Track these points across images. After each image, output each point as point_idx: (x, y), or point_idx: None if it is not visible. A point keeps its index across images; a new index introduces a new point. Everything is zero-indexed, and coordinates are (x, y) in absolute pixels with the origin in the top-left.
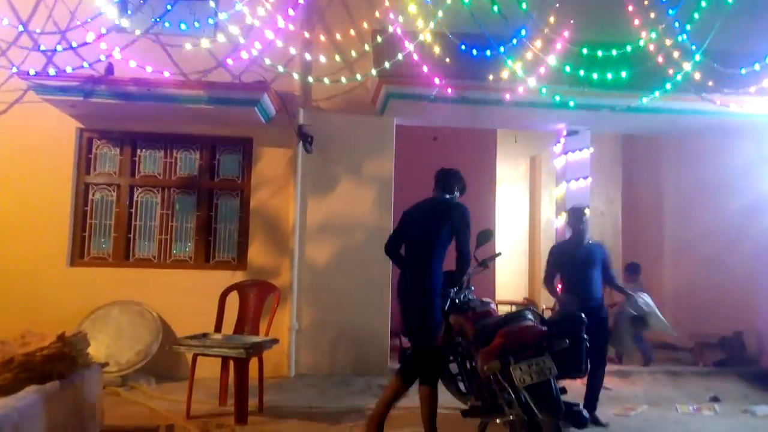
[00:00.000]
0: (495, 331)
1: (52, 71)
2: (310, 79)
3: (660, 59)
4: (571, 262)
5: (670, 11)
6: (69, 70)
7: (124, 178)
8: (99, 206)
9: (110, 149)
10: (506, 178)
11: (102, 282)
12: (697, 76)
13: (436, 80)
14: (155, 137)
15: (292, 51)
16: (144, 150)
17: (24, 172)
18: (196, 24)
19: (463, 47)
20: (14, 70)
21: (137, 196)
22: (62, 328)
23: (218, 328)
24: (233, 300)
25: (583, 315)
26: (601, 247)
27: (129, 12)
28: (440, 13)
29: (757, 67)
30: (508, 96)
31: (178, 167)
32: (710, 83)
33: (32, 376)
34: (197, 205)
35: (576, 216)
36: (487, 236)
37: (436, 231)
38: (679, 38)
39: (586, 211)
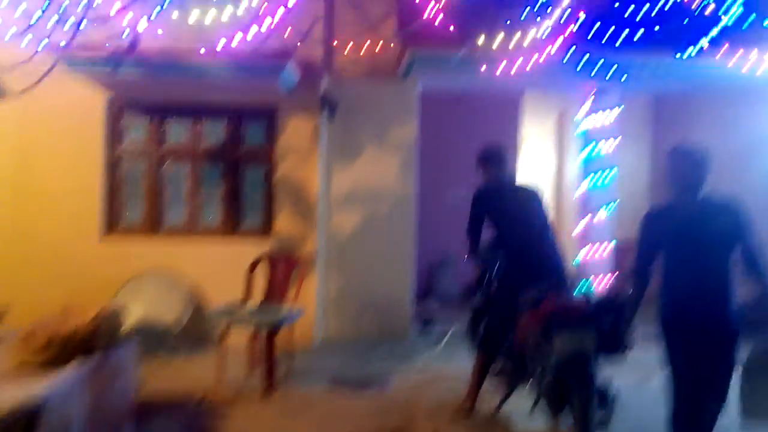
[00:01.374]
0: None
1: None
2: (334, 44)
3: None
4: (683, 236)
5: None
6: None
7: (153, 147)
8: (129, 176)
9: (139, 120)
10: (532, 135)
11: (134, 252)
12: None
13: (462, 43)
14: (183, 107)
15: (315, 17)
16: (172, 120)
17: (55, 142)
18: None
19: (489, 8)
20: (45, 42)
21: (166, 166)
22: (98, 298)
23: (246, 297)
24: (261, 268)
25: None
26: (735, 206)
27: None
28: None
29: None
30: (536, 56)
31: (204, 137)
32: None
33: (75, 351)
34: (224, 175)
35: (688, 160)
36: None
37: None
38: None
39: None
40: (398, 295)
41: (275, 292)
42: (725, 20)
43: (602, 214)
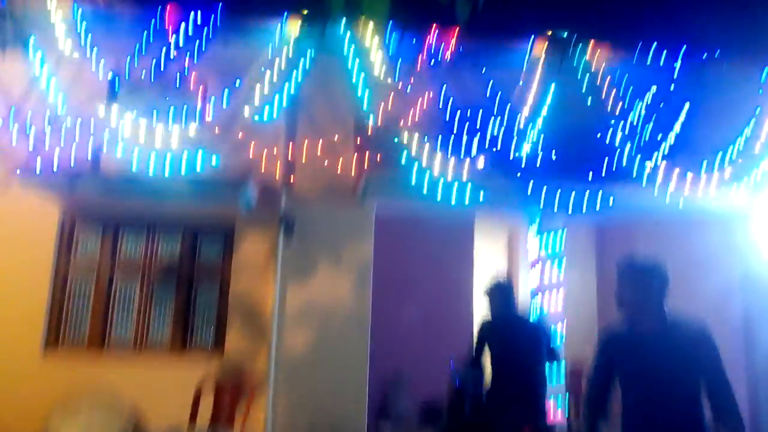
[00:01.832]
0: None
1: (37, 161)
2: (293, 169)
3: (627, 150)
4: (639, 368)
5: (632, 115)
6: (55, 158)
7: (104, 264)
8: (77, 293)
9: (92, 235)
10: (484, 255)
11: (76, 371)
12: (664, 166)
13: (416, 166)
14: (137, 224)
15: (275, 145)
16: (125, 236)
17: (2, 257)
18: (183, 118)
19: (440, 136)
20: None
21: (116, 283)
22: (31, 419)
23: (193, 421)
24: (209, 390)
25: None
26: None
27: (117, 102)
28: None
29: (721, 159)
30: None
31: (158, 253)
32: (677, 172)
33: None
34: (176, 291)
35: (639, 275)
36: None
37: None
38: (644, 131)
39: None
40: (352, 416)
41: (222, 416)
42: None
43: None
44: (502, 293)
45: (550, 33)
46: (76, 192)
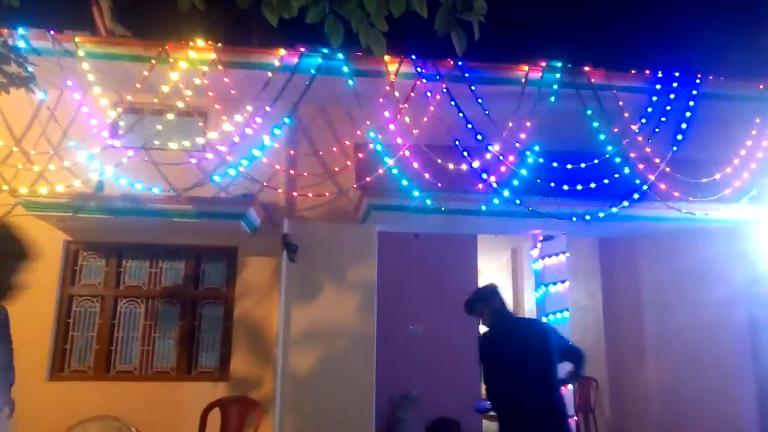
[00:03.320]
0: None
1: (42, 189)
2: (295, 193)
3: (626, 170)
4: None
5: (633, 127)
6: (61, 187)
7: (108, 289)
8: (82, 318)
9: (96, 260)
10: (488, 270)
11: (82, 396)
12: (663, 185)
13: (416, 193)
14: (141, 248)
15: (277, 167)
16: (129, 261)
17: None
18: (186, 143)
19: (439, 161)
20: (4, 187)
21: (121, 307)
22: None
23: None
24: (215, 414)
25: None
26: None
27: (120, 132)
28: (417, 130)
29: (717, 176)
30: (484, 207)
31: (162, 277)
32: (676, 193)
33: None
34: (181, 315)
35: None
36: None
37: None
38: (645, 150)
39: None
40: None
41: None
42: (652, 178)
43: None
44: (489, 299)
45: (544, 63)
46: (80, 217)
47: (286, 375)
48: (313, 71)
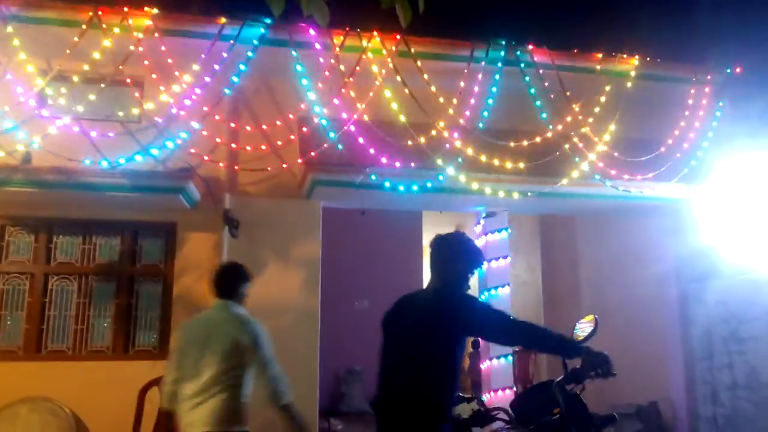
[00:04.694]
0: None
1: None
2: (237, 168)
3: (566, 148)
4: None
5: (574, 106)
6: None
7: (38, 266)
8: (10, 296)
9: (24, 236)
10: None
11: (12, 377)
12: (601, 164)
13: (360, 168)
14: (73, 223)
15: (218, 140)
16: (61, 237)
17: None
18: (120, 114)
19: (385, 137)
20: None
21: (52, 285)
22: None
23: (137, 425)
24: (154, 393)
25: None
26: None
27: (49, 102)
28: (362, 105)
29: (653, 155)
30: (429, 184)
31: (96, 254)
32: (613, 171)
33: None
34: (116, 293)
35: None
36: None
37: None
38: (582, 130)
39: None
40: (302, 411)
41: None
42: (591, 156)
43: None
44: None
45: (490, 40)
46: (5, 190)
47: None
48: (255, 41)
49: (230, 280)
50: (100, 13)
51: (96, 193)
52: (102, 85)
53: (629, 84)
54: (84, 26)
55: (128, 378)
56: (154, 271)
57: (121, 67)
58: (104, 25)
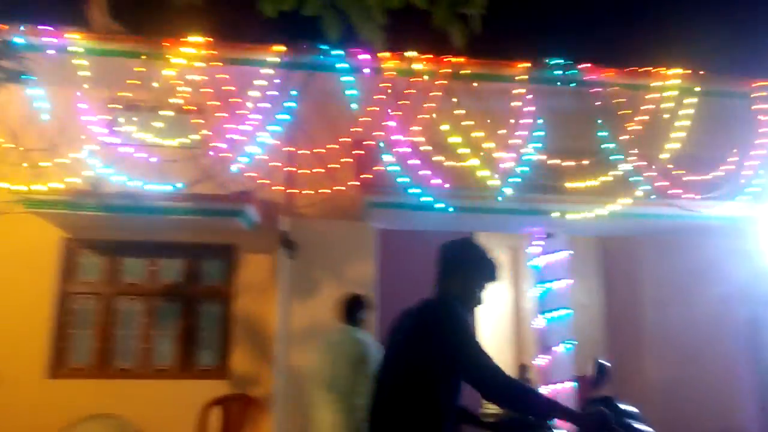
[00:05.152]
0: None
1: (41, 186)
2: (294, 191)
3: (627, 168)
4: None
5: (634, 124)
6: (58, 185)
7: (106, 286)
8: (80, 316)
9: (94, 257)
10: None
11: (81, 394)
12: (664, 182)
13: (415, 190)
14: (139, 246)
15: (277, 163)
16: (127, 258)
17: (6, 281)
18: (184, 140)
19: (440, 158)
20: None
21: (119, 305)
22: None
23: None
24: (216, 412)
25: None
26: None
27: (116, 129)
28: (416, 127)
29: (718, 174)
30: (484, 205)
31: (161, 275)
32: (676, 190)
33: None
34: (179, 313)
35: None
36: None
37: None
38: (643, 148)
39: None
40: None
41: None
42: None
43: (561, 350)
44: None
45: (546, 60)
46: (77, 214)
47: (285, 372)
48: (310, 68)
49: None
50: (162, 44)
51: (160, 217)
52: (165, 113)
53: (691, 100)
54: (146, 57)
55: (191, 396)
56: (214, 291)
57: (183, 95)
58: (166, 56)
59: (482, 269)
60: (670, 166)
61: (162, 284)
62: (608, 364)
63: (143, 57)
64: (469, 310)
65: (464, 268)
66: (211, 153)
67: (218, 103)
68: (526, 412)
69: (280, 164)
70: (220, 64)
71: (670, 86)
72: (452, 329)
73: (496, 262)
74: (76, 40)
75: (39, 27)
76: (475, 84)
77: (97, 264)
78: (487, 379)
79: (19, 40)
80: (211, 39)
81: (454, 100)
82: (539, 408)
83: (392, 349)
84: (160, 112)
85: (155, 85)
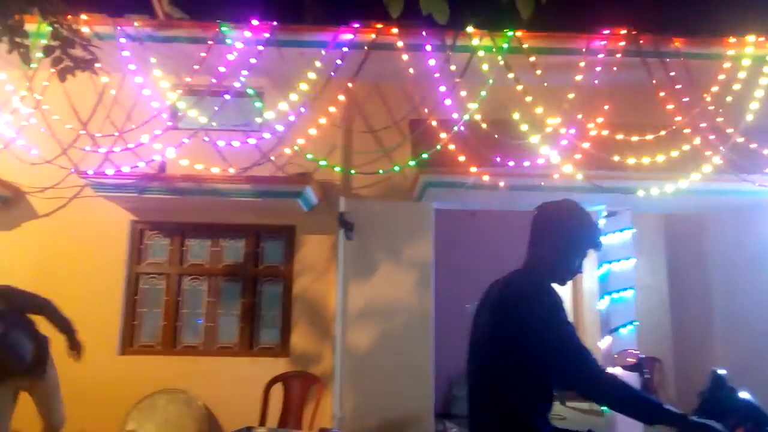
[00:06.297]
0: None
1: (109, 171)
2: (352, 171)
3: (696, 141)
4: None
5: (705, 95)
6: (126, 169)
7: (173, 266)
8: (149, 295)
9: (160, 239)
10: None
11: (150, 370)
12: (735, 157)
13: (473, 169)
14: (203, 227)
15: (333, 144)
16: (192, 240)
17: (79, 263)
18: (244, 123)
19: (497, 136)
20: (72, 169)
21: (185, 285)
22: (112, 416)
23: (263, 419)
24: (277, 388)
25: None
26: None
27: (180, 114)
28: (475, 105)
29: None
30: (543, 183)
31: (224, 255)
32: (747, 165)
33: None
34: (242, 292)
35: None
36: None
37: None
38: (716, 120)
39: None
40: (418, 413)
41: (291, 414)
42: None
43: (624, 332)
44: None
45: (620, 30)
46: (144, 197)
47: (345, 351)
48: (366, 47)
49: None
50: (223, 29)
51: (223, 199)
52: (227, 97)
53: (765, 69)
54: (210, 42)
55: (253, 373)
56: (275, 272)
57: (243, 79)
58: (227, 40)
59: (584, 234)
60: (742, 139)
61: (225, 265)
62: (725, 373)
63: (204, 42)
64: (564, 280)
65: (563, 233)
66: (270, 135)
67: (275, 86)
68: (632, 416)
69: (337, 145)
70: (278, 46)
71: (743, 55)
72: (540, 311)
73: (596, 226)
74: (140, 27)
75: (106, 16)
76: (532, 59)
77: (163, 246)
78: (583, 377)
79: (86, 29)
80: (268, 22)
81: (511, 75)
82: (648, 414)
83: (478, 334)
84: (223, 96)
85: (221, 69)
